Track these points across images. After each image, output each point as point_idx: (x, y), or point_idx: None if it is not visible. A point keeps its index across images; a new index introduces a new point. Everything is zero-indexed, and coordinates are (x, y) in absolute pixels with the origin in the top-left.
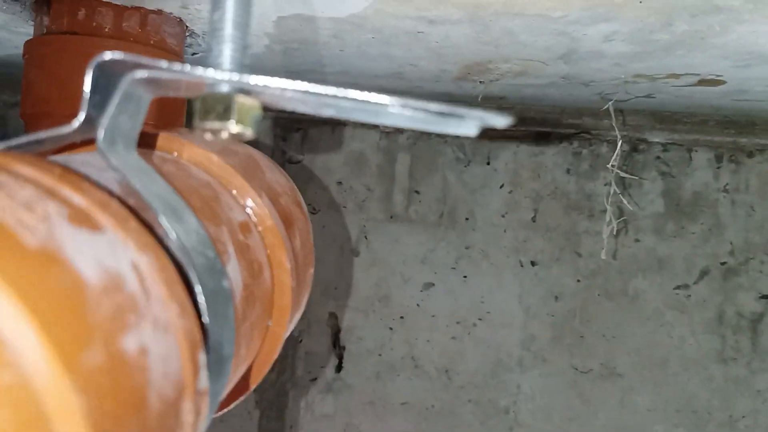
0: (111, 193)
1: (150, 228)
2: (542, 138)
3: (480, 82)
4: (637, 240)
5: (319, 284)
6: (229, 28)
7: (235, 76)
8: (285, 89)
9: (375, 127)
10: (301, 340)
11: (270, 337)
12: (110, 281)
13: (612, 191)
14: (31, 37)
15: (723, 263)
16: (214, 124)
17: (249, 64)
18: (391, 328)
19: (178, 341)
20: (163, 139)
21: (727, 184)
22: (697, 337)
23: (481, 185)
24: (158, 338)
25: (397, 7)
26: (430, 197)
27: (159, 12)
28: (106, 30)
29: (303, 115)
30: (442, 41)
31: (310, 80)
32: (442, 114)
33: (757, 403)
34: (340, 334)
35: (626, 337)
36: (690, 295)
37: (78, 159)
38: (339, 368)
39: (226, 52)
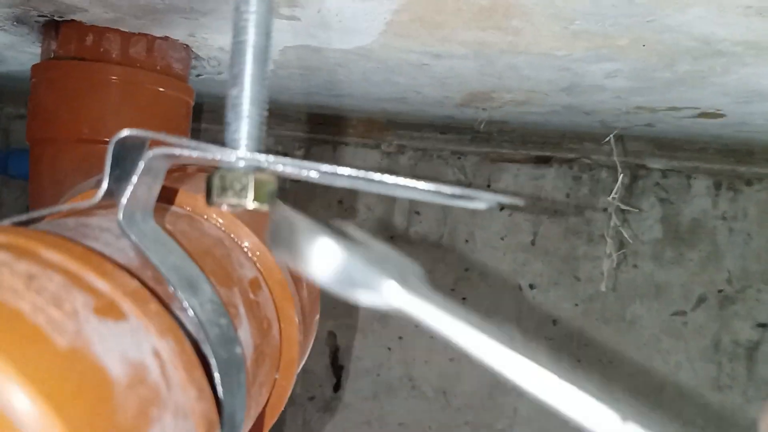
0: (131, 272)
1: (167, 305)
2: (543, 162)
3: (483, 109)
4: (635, 266)
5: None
6: (246, 105)
7: (252, 157)
8: (301, 169)
9: (377, 146)
10: None
11: (277, 389)
12: (135, 374)
13: (612, 224)
14: (38, 61)
15: (720, 291)
16: (232, 201)
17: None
18: (389, 348)
19: (196, 426)
20: (178, 195)
21: (725, 211)
22: (693, 364)
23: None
24: (178, 427)
25: (403, 43)
26: (431, 218)
27: (166, 38)
28: (114, 56)
29: (303, 132)
30: (446, 72)
31: (316, 100)
32: (455, 195)
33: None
34: (339, 354)
35: (623, 363)
36: (687, 322)
37: (95, 224)
38: (337, 387)
39: (244, 128)
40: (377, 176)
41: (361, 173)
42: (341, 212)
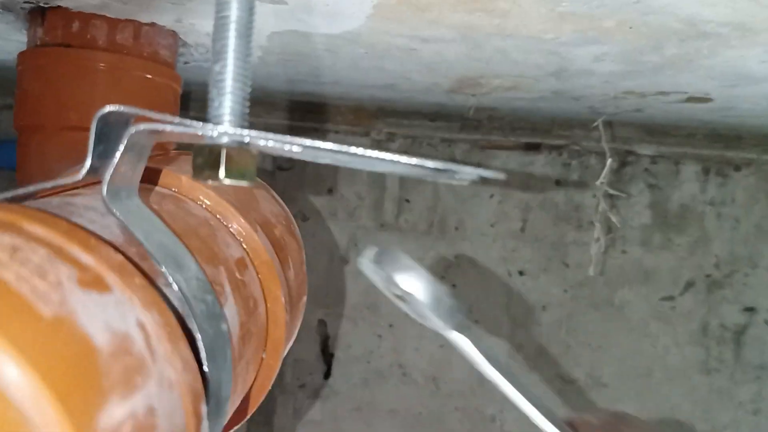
0: (116, 247)
1: (152, 280)
2: (532, 148)
3: (472, 95)
4: (624, 251)
5: (308, 291)
6: (229, 80)
7: (235, 132)
8: (284, 144)
9: (366, 134)
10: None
11: (264, 369)
12: (119, 344)
13: (600, 208)
14: (24, 48)
15: (708, 275)
16: (211, 176)
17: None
18: (379, 336)
19: (182, 396)
20: (163, 175)
21: (713, 197)
22: (681, 348)
23: (471, 195)
24: (164, 396)
25: (391, 27)
26: (421, 206)
27: (152, 25)
28: (100, 42)
29: (294, 122)
30: (434, 57)
31: (305, 88)
32: (437, 169)
33: (739, 414)
34: (329, 341)
35: (612, 348)
36: (675, 307)
37: (80, 203)
38: (327, 375)
39: (227, 103)
40: (359, 150)
41: (344, 147)
42: (331, 200)
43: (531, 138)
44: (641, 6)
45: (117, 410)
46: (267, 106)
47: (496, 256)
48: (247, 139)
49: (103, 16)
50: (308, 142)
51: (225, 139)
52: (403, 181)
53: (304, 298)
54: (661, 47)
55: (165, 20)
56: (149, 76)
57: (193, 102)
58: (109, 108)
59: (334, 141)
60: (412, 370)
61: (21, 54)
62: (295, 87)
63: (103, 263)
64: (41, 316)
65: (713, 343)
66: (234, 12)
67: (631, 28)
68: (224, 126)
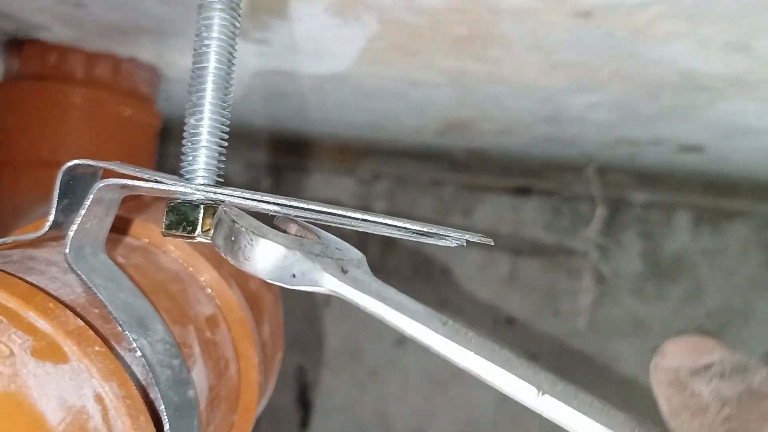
0: (76, 310)
1: (114, 346)
2: (522, 192)
3: (461, 137)
4: (615, 301)
5: (287, 335)
6: (205, 134)
7: (208, 190)
8: (258, 202)
9: (351, 173)
10: None
11: None
12: (73, 421)
13: (591, 259)
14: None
15: (701, 326)
16: (183, 234)
17: (223, 169)
18: (361, 385)
19: None
20: (134, 223)
21: (706, 246)
22: None
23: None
24: None
25: (380, 70)
26: (406, 248)
27: (132, 59)
28: (78, 76)
29: (275, 159)
30: (423, 100)
31: (289, 125)
32: (422, 232)
33: None
34: (307, 389)
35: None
36: None
37: (42, 257)
38: (305, 425)
39: (201, 159)
40: (341, 210)
41: (324, 206)
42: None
43: (521, 181)
44: (637, 58)
45: None
46: (248, 143)
47: (484, 303)
48: (221, 198)
49: (81, 50)
50: (286, 200)
51: (197, 196)
52: None
53: (280, 354)
54: (656, 98)
55: (145, 55)
56: (127, 112)
57: (174, 134)
58: (75, 161)
59: (318, 180)
60: (395, 421)
61: None
62: (278, 124)
63: (61, 330)
64: None
65: None
66: (212, 63)
67: (625, 78)
68: (197, 183)
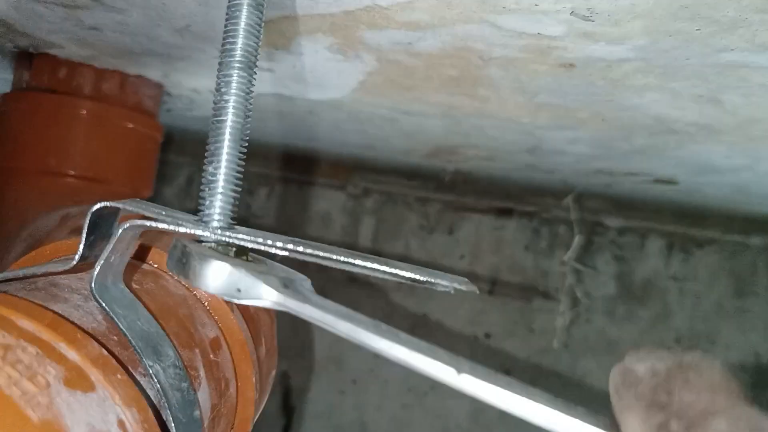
0: (98, 339)
1: (132, 371)
2: (504, 213)
3: (448, 161)
4: (588, 321)
5: None
6: (221, 182)
7: (223, 234)
8: (269, 246)
9: (343, 188)
10: None
11: None
12: None
13: (567, 283)
14: (9, 87)
15: (668, 349)
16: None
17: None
18: (342, 392)
19: None
20: (146, 251)
21: (676, 272)
22: None
23: (442, 254)
24: None
25: (375, 100)
26: None
27: (139, 77)
28: (86, 90)
29: (270, 171)
30: (414, 127)
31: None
32: (413, 279)
33: None
34: (291, 394)
35: None
36: None
37: (65, 285)
38: (287, 429)
39: (217, 203)
40: (343, 257)
41: (329, 252)
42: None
43: (504, 203)
44: (614, 104)
45: None
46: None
47: (464, 318)
48: (235, 241)
49: (91, 66)
50: (293, 244)
51: (212, 238)
52: (376, 234)
53: (273, 372)
54: (631, 138)
55: (152, 74)
56: (131, 126)
57: (175, 145)
58: (102, 203)
59: (311, 193)
60: (373, 428)
61: (4, 95)
62: (276, 139)
63: (87, 360)
64: (29, 421)
65: None
66: (230, 117)
67: (603, 120)
68: (213, 226)
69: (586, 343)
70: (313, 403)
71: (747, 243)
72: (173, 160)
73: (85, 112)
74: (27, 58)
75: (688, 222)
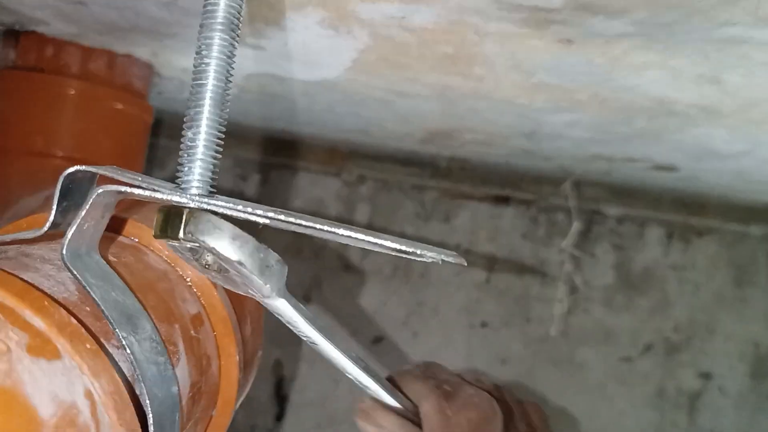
0: (69, 308)
1: (104, 342)
2: (501, 201)
3: (444, 146)
4: (586, 310)
5: (266, 329)
6: (201, 147)
7: (202, 201)
8: (250, 213)
9: (337, 174)
10: None
11: (213, 427)
12: (64, 415)
13: (565, 270)
14: None
15: (667, 339)
16: (171, 242)
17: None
18: (335, 380)
19: None
20: (125, 224)
21: (675, 261)
22: (637, 411)
23: (438, 243)
24: None
25: (369, 80)
26: None
27: (128, 56)
28: (73, 69)
29: (264, 157)
30: (409, 110)
31: (280, 125)
32: (399, 250)
33: None
34: (284, 383)
35: (568, 406)
36: (633, 368)
37: (37, 254)
38: (280, 417)
39: (196, 170)
40: (325, 225)
41: (310, 220)
42: (296, 238)
43: (501, 190)
44: (613, 84)
45: None
46: (239, 140)
47: (460, 306)
48: (213, 208)
49: (78, 44)
50: (274, 212)
51: (191, 205)
52: (372, 223)
53: (260, 353)
54: (630, 120)
55: (141, 53)
56: (120, 106)
57: (166, 128)
58: (75, 167)
59: (305, 179)
60: None
61: None
62: (269, 123)
63: (55, 328)
64: None
65: (668, 407)
66: (210, 81)
67: (602, 101)
68: (192, 193)
69: (583, 331)
70: (307, 391)
71: (747, 232)
72: (165, 145)
73: (72, 91)
74: (13, 36)
75: (687, 211)
